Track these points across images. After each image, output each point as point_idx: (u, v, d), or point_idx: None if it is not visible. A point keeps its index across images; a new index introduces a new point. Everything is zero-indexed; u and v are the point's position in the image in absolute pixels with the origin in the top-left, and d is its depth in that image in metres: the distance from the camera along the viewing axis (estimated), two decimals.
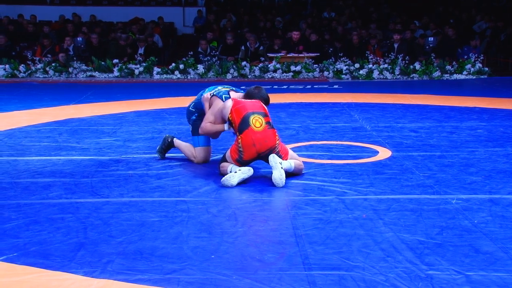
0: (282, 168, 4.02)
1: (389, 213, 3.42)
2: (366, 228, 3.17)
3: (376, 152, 5.03)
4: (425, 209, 3.47)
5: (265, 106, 4.32)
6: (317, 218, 3.34)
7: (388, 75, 11.78)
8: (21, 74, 12.14)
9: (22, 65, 12.24)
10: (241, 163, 4.17)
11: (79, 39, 13.06)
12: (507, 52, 13.28)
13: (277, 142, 4.15)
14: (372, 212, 3.44)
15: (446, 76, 11.77)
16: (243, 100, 4.36)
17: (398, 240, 2.98)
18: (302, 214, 3.41)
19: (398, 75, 11.78)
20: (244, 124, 4.12)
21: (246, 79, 11.90)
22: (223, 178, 4.04)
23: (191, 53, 12.51)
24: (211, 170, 4.47)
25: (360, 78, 11.86)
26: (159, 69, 12.21)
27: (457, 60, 12.18)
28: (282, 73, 12.04)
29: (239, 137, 4.13)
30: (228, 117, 4.27)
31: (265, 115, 4.18)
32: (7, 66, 12.13)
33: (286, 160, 4.17)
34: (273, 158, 4.04)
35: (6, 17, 15.18)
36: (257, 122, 4.11)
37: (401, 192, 3.84)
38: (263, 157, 4.14)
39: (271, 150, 4.10)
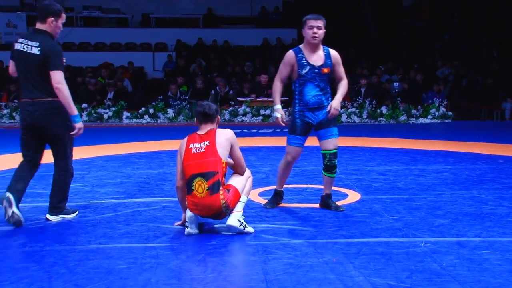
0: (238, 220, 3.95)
1: (359, 256, 3.42)
2: (337, 272, 3.16)
3: (345, 195, 5.07)
4: (395, 253, 3.49)
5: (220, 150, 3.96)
6: (287, 263, 3.32)
7: (356, 119, 11.99)
8: None
9: None
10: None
11: None
12: (469, 97, 13.72)
13: (222, 203, 3.90)
14: (342, 256, 3.44)
15: (412, 120, 12.05)
16: (190, 152, 3.99)
17: (369, 284, 2.98)
18: (273, 259, 3.39)
19: (365, 118, 12.01)
20: (189, 186, 3.94)
21: None
22: (185, 231, 3.96)
23: (161, 97, 12.55)
24: (180, 214, 4.41)
25: None
26: (129, 114, 12.18)
27: (422, 105, 12.51)
28: (252, 117, 12.15)
29: (187, 197, 3.99)
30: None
31: (209, 178, 3.87)
32: None
33: (234, 211, 3.98)
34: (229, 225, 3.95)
35: None
36: (199, 187, 3.89)
37: (371, 235, 3.86)
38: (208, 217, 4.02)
39: (218, 214, 3.95)
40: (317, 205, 4.69)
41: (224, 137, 4.01)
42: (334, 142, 4.52)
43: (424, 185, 5.49)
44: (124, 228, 4.07)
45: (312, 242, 3.70)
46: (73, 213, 4.45)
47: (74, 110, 4.25)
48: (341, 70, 4.53)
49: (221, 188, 3.92)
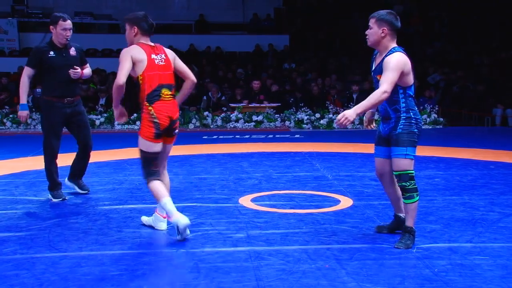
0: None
1: (351, 262, 3.43)
2: (329, 278, 3.16)
3: (337, 201, 5.08)
4: (387, 258, 3.49)
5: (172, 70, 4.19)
6: (280, 269, 3.32)
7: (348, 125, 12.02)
8: None
9: None
10: (158, 135, 4.02)
11: (38, 90, 12.92)
12: (460, 103, 13.79)
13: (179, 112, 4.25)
14: (334, 261, 3.44)
15: None
16: (154, 62, 4.08)
17: None
18: (265, 265, 3.39)
19: (358, 124, 12.04)
20: (156, 95, 4.04)
21: (208, 129, 11.95)
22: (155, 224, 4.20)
23: None
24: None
25: (321, 128, 12.06)
26: None
27: None
28: (244, 122, 12.15)
29: (151, 107, 4.02)
30: (138, 77, 4.08)
31: (171, 89, 4.13)
32: None
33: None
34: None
35: None
36: (166, 95, 4.09)
37: (363, 241, 3.86)
38: (170, 129, 4.09)
39: (177, 120, 4.15)
40: (310, 211, 4.69)
41: (170, 53, 4.22)
42: (397, 163, 3.75)
43: None
44: (116, 235, 4.05)
45: (305, 248, 3.70)
46: (58, 197, 5.16)
47: (21, 100, 5.16)
48: (384, 76, 3.66)
49: None
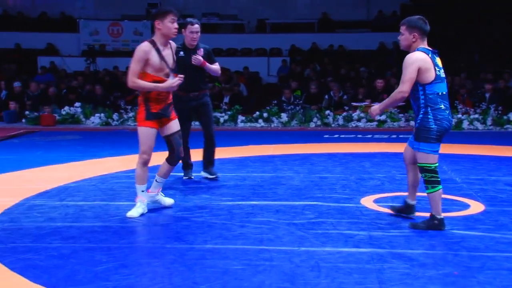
0: None
1: (483, 271, 3.22)
2: (458, 286, 3.00)
3: (467, 206, 4.80)
4: None
5: None
6: (404, 273, 3.20)
7: (479, 126, 11.33)
8: (114, 122, 12.79)
9: (115, 113, 12.91)
10: None
11: None
12: None
13: None
14: (464, 269, 3.25)
15: None
16: None
17: None
18: (388, 268, 3.29)
19: (490, 125, 11.31)
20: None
21: (329, 128, 11.87)
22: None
23: (275, 101, 12.69)
24: (293, 219, 4.43)
25: None
26: (243, 117, 12.45)
27: None
28: (366, 122, 11.91)
29: None
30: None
31: None
32: (102, 114, 12.85)
33: None
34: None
35: (105, 69, 16.22)
36: None
37: (497, 250, 3.61)
38: None
39: None
40: None
41: None
42: (416, 155, 4.25)
43: None
44: (238, 230, 4.16)
45: (431, 253, 3.54)
46: (185, 176, 6.17)
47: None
48: (402, 76, 4.06)
49: None
